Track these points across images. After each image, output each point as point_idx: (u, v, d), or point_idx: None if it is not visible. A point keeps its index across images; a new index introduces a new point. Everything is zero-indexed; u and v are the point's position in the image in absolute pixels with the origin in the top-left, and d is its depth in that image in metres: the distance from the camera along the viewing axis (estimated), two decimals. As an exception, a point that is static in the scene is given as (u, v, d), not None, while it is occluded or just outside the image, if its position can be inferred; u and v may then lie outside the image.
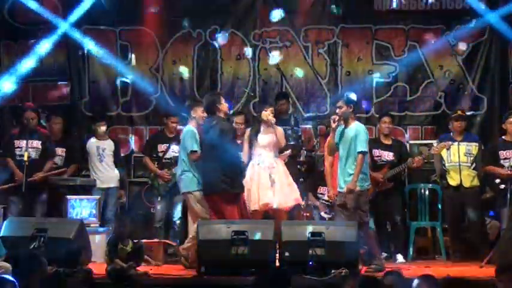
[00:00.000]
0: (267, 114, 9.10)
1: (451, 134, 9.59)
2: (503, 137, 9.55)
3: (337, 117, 8.38)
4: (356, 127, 8.37)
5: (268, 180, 8.95)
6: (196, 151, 8.62)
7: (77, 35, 11.01)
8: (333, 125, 8.43)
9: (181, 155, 8.85)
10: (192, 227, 8.68)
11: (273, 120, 9.08)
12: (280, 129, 9.27)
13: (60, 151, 10.15)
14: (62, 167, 10.09)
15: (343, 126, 8.42)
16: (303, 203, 9.34)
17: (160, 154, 10.03)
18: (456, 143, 9.44)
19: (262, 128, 9.16)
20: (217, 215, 8.47)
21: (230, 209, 8.41)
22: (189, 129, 8.79)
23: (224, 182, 8.39)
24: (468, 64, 11.05)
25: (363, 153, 8.25)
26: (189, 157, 8.66)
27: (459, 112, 9.72)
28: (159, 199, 9.85)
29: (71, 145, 10.41)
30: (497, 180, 9.39)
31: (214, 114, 8.63)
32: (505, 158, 9.40)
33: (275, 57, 11.14)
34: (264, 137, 9.10)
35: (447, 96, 11.12)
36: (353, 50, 11.23)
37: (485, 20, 10.62)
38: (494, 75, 11.03)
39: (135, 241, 8.07)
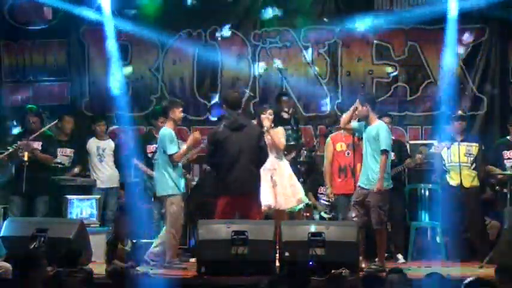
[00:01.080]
0: (263, 118, 9.06)
1: (452, 134, 9.58)
2: (508, 137, 9.57)
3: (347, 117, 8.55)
4: (378, 126, 8.40)
5: (269, 182, 8.94)
6: (175, 153, 8.54)
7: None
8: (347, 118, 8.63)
9: (159, 157, 8.72)
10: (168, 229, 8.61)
11: (267, 125, 8.99)
12: (279, 130, 9.24)
13: (68, 152, 10.17)
14: (69, 168, 10.12)
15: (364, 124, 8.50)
16: (308, 201, 9.34)
17: (150, 155, 9.95)
18: (456, 143, 9.43)
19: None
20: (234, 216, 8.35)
21: (256, 212, 8.36)
22: (167, 132, 8.62)
23: (257, 184, 8.37)
24: (468, 64, 11.06)
25: (386, 152, 8.29)
26: (172, 159, 8.56)
27: (460, 112, 9.72)
28: (153, 199, 9.81)
29: (79, 146, 10.39)
30: (492, 180, 9.43)
31: (237, 109, 8.52)
32: (508, 158, 9.43)
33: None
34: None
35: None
36: (353, 50, 11.23)
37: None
38: (494, 75, 11.04)
39: (134, 241, 8.07)
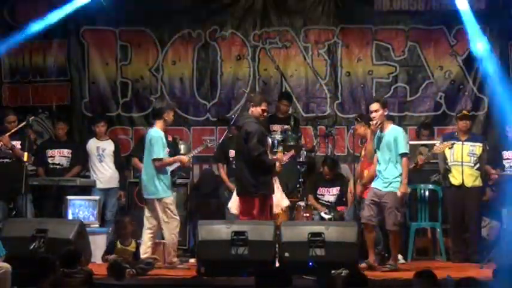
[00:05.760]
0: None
1: (455, 133, 9.56)
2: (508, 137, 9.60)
3: (378, 122, 8.35)
4: (394, 130, 8.44)
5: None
6: (161, 159, 8.43)
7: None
8: (373, 129, 8.41)
9: (149, 159, 8.54)
10: (167, 232, 8.52)
11: None
12: None
13: (66, 152, 10.18)
14: (68, 169, 10.12)
15: (378, 131, 8.43)
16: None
17: None
18: (460, 143, 9.40)
19: None
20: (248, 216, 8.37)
21: (252, 210, 8.32)
22: (160, 136, 8.46)
23: (249, 185, 8.34)
24: (468, 64, 11.06)
25: (406, 155, 8.31)
26: (154, 163, 8.44)
27: (464, 111, 9.72)
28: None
29: (76, 146, 10.40)
30: (489, 181, 9.47)
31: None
32: (507, 158, 9.45)
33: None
34: None
35: (447, 97, 11.13)
36: (353, 50, 11.23)
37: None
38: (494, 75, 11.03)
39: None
